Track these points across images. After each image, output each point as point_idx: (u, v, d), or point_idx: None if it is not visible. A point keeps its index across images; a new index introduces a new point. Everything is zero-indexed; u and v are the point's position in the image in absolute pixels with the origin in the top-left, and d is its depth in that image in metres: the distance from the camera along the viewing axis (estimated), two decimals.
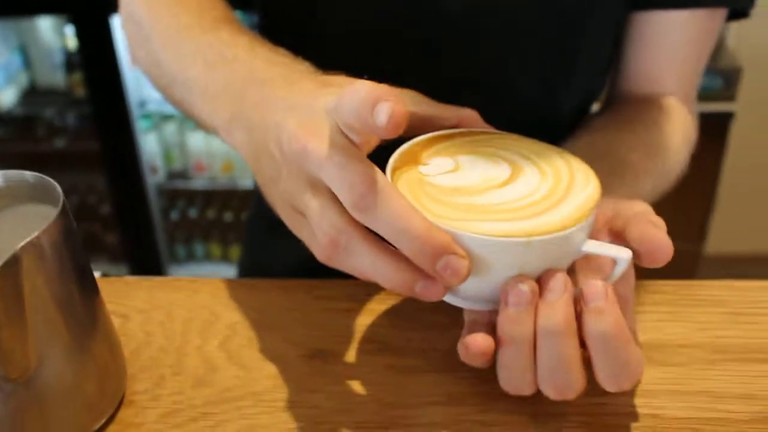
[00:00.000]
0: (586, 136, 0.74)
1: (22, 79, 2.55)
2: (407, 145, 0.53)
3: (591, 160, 0.54)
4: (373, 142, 0.44)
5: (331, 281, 0.65)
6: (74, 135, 2.59)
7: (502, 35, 0.75)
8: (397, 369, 0.57)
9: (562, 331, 0.46)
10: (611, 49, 0.81)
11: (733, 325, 0.60)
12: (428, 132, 0.55)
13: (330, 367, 0.57)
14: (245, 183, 2.53)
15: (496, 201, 0.48)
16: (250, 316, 0.62)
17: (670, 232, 0.49)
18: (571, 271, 0.50)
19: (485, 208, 0.47)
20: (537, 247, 0.45)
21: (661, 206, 0.48)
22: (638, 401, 0.54)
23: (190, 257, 2.83)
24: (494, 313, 0.49)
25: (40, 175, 0.51)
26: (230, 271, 2.72)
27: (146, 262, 2.64)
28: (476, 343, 0.48)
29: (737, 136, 2.19)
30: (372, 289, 0.54)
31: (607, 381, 0.47)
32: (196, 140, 2.51)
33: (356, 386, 0.55)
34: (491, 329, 0.49)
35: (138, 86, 2.38)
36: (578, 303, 0.47)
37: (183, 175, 2.61)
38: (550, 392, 0.48)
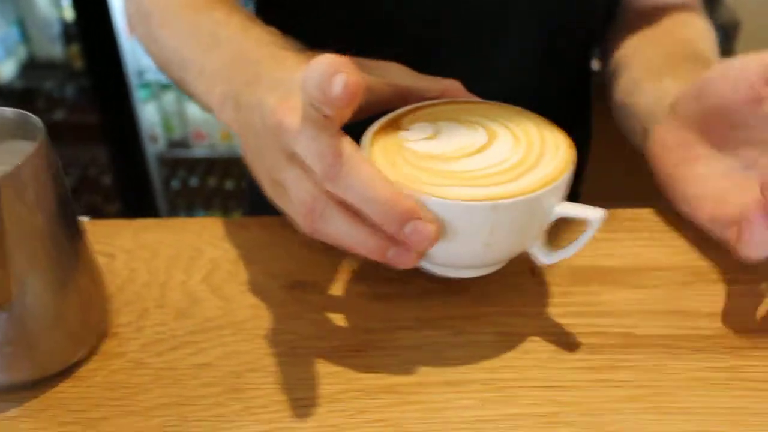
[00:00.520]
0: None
1: (21, 52, 2.55)
2: (392, 114, 0.55)
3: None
4: (345, 115, 0.46)
5: None
6: (74, 107, 2.59)
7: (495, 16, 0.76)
8: (371, 296, 0.58)
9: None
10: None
11: (708, 249, 0.61)
12: (412, 104, 0.57)
13: (308, 297, 0.58)
14: None
15: (469, 168, 0.49)
16: (232, 251, 0.64)
17: None
18: None
19: (457, 174, 0.48)
20: (504, 211, 0.47)
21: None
22: (610, 321, 0.55)
23: None
24: None
25: (21, 111, 0.52)
26: None
27: None
28: None
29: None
30: None
31: None
32: (195, 109, 2.51)
33: (333, 313, 0.57)
34: None
35: (135, 56, 2.37)
36: None
37: (183, 144, 2.61)
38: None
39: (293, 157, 0.48)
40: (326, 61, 0.44)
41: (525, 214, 0.48)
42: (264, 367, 0.53)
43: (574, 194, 0.85)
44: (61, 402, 0.51)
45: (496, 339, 0.54)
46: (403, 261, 0.48)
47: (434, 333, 0.55)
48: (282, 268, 0.61)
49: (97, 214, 2.73)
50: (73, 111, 2.59)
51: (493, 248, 0.50)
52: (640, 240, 0.63)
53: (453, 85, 0.59)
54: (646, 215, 0.65)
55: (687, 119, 0.60)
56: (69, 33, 2.44)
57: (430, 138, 0.52)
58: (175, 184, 2.74)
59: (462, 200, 0.46)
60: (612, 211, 0.64)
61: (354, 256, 0.58)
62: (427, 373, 0.52)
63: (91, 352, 0.55)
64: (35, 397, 0.51)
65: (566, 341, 0.53)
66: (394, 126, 0.53)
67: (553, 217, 0.50)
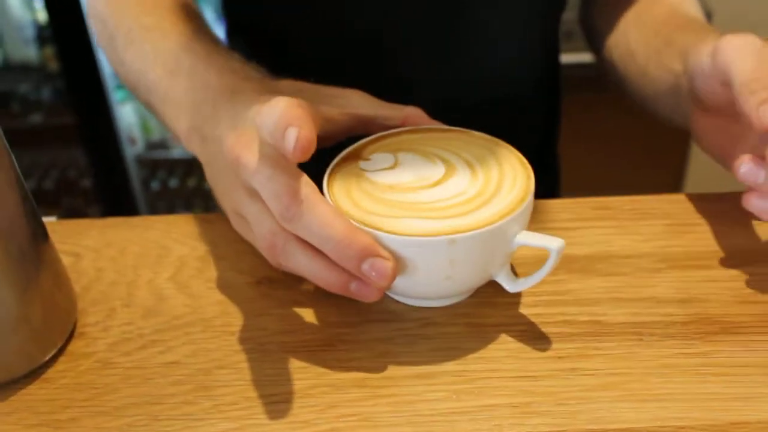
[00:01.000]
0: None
1: None
2: (355, 144, 0.55)
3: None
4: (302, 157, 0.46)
5: None
6: (50, 109, 2.55)
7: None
8: None
9: None
10: None
11: (677, 236, 0.61)
12: (374, 132, 0.57)
13: (276, 292, 0.57)
14: None
15: (426, 200, 0.49)
16: (199, 248, 0.62)
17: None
18: None
19: (415, 206, 0.49)
20: (461, 244, 0.47)
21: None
22: (579, 309, 0.54)
23: None
24: None
25: None
26: None
27: None
28: None
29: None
30: None
31: None
32: None
33: (301, 309, 0.56)
34: None
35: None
36: None
37: (162, 144, 2.59)
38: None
39: (253, 193, 0.48)
40: (279, 110, 0.45)
41: (483, 247, 0.48)
42: (233, 363, 0.52)
43: (552, 180, 0.85)
44: (28, 404, 0.50)
45: (466, 330, 0.53)
46: (365, 295, 0.48)
47: (404, 326, 0.54)
48: (249, 264, 0.60)
49: (79, 216, 2.69)
50: (50, 114, 2.55)
51: (455, 280, 0.50)
52: (609, 228, 0.62)
53: (414, 112, 0.59)
54: (615, 203, 0.65)
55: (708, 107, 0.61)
56: (43, 35, 2.41)
57: (389, 168, 0.52)
58: (154, 185, 2.72)
59: (419, 236, 0.46)
60: (582, 199, 0.64)
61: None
62: (397, 366, 0.51)
63: (59, 353, 0.54)
64: (2, 400, 0.50)
65: (537, 331, 0.52)
66: (356, 156, 0.54)
67: (514, 247, 0.50)
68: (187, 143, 0.58)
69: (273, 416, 0.48)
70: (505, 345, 0.52)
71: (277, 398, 0.49)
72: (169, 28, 0.66)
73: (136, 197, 2.62)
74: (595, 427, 0.46)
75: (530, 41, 0.82)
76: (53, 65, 2.43)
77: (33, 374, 0.52)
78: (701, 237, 0.60)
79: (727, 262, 0.58)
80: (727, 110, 0.57)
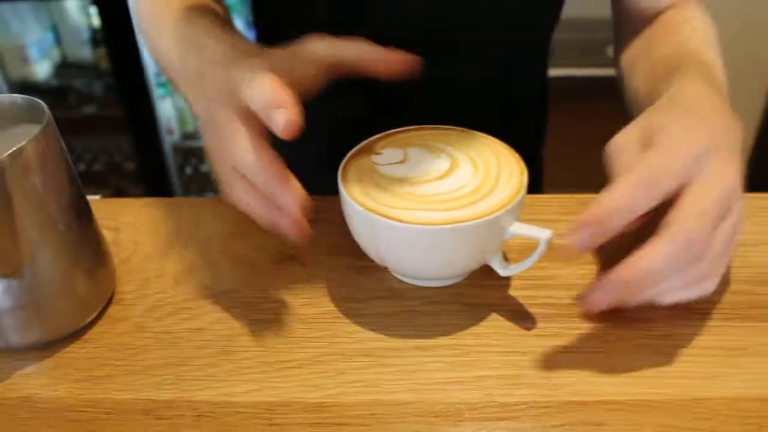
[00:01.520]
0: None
1: (55, 54, 2.49)
2: (367, 140, 0.53)
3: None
4: None
5: None
6: (101, 102, 2.53)
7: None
8: (350, 269, 0.55)
9: None
10: None
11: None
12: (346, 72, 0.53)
13: (293, 269, 0.55)
14: None
15: (432, 192, 0.47)
16: (226, 227, 0.60)
17: None
18: None
19: (422, 198, 0.47)
20: (462, 233, 0.45)
21: (599, 161, 0.45)
22: (564, 293, 0.52)
23: None
24: None
25: (29, 97, 0.48)
26: None
27: None
28: None
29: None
30: (331, 203, 0.52)
31: None
32: None
33: (314, 285, 0.53)
34: None
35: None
36: None
37: (195, 135, 2.56)
38: None
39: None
40: (268, 90, 0.44)
41: (481, 235, 0.46)
42: (252, 332, 0.50)
43: (535, 179, 0.81)
44: (70, 362, 0.48)
45: (461, 309, 0.51)
46: (285, 227, 0.46)
47: (406, 303, 0.51)
48: (270, 243, 0.57)
49: (124, 195, 2.69)
50: (101, 106, 2.53)
51: (454, 264, 0.48)
52: None
53: (364, 48, 0.53)
54: None
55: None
56: (97, 38, 2.39)
57: (399, 163, 0.50)
58: (188, 170, 2.70)
59: (424, 224, 0.45)
60: (569, 195, 0.61)
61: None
62: (399, 339, 0.48)
63: (98, 317, 0.51)
64: (48, 357, 0.49)
65: (525, 311, 0.50)
66: (369, 150, 0.52)
67: (508, 236, 0.48)
68: (195, 109, 0.55)
69: (287, 380, 0.46)
70: (496, 323, 0.49)
71: (290, 364, 0.47)
72: (178, 14, 0.63)
73: (173, 180, 2.60)
74: (576, 399, 0.44)
75: (526, 55, 0.78)
76: (105, 64, 2.41)
77: (75, 335, 0.50)
78: None
79: None
80: None
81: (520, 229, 0.47)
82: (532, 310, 0.50)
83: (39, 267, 0.46)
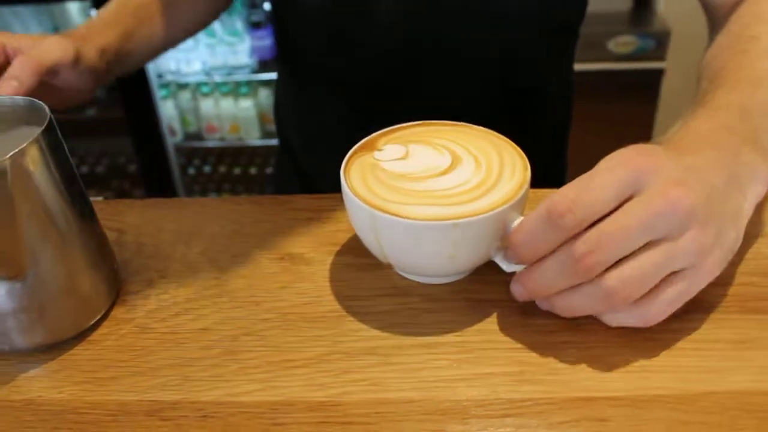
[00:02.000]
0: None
1: None
2: (369, 137, 0.53)
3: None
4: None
5: (298, 196, 0.63)
6: (103, 104, 2.53)
7: None
8: (354, 267, 0.54)
9: None
10: None
11: None
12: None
13: (297, 267, 0.55)
14: (251, 141, 2.49)
15: (434, 188, 0.47)
16: (228, 227, 0.60)
17: None
18: None
19: (424, 193, 0.46)
20: (464, 228, 0.44)
21: (599, 155, 0.44)
22: None
23: None
24: None
25: (30, 98, 0.48)
26: None
27: None
28: None
29: (667, 89, 2.16)
30: (334, 201, 0.52)
31: None
32: (208, 105, 2.46)
33: (319, 283, 0.53)
34: None
35: (155, 60, 2.33)
36: None
37: (197, 136, 2.56)
38: None
39: None
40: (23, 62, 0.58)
41: (484, 231, 0.46)
42: (257, 331, 0.49)
43: (560, 166, 0.80)
44: (75, 363, 0.48)
45: (466, 305, 0.50)
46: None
47: (411, 300, 0.51)
48: (273, 242, 0.57)
49: (126, 197, 2.69)
50: (103, 108, 2.53)
51: (457, 260, 0.48)
52: None
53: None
54: None
55: None
56: None
57: (401, 159, 0.50)
58: (191, 170, 2.70)
59: (427, 220, 0.44)
60: None
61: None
62: (404, 337, 0.48)
63: (103, 318, 0.51)
64: (52, 359, 0.48)
65: (528, 307, 0.49)
66: (371, 147, 0.51)
67: (511, 231, 0.47)
68: None
69: (292, 379, 0.45)
70: (501, 319, 0.49)
71: (295, 363, 0.47)
72: None
73: (175, 181, 2.60)
74: (581, 395, 0.43)
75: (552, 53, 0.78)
76: None
77: (80, 336, 0.50)
78: None
79: None
80: None
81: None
82: (535, 306, 0.49)
83: (42, 269, 0.46)
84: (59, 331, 0.49)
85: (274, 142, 2.10)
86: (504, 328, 0.48)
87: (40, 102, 0.47)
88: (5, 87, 0.56)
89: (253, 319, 0.50)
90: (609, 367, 0.45)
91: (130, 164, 2.69)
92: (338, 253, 0.56)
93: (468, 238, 0.46)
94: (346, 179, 0.48)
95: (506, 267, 0.49)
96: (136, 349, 0.49)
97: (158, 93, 2.38)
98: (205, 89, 2.43)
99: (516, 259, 0.45)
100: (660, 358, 0.45)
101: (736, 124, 0.49)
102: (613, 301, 0.42)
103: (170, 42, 0.83)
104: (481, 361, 0.46)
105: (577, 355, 0.46)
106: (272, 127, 2.31)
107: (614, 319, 0.45)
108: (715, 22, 0.68)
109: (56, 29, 2.45)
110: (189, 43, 2.31)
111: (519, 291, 0.47)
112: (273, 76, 2.24)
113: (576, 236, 0.42)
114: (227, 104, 2.43)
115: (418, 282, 0.52)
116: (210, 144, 2.57)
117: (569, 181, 0.43)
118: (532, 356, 0.46)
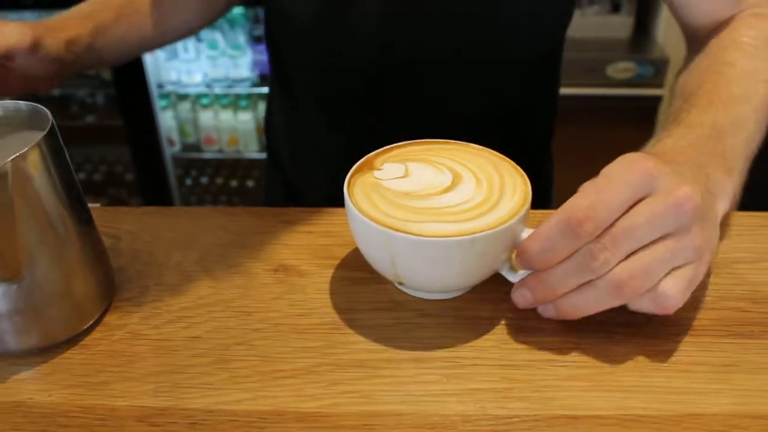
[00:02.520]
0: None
1: None
2: (365, 157, 0.53)
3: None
4: None
5: (294, 209, 0.63)
6: (103, 112, 2.54)
7: None
8: (347, 280, 0.55)
9: None
10: None
11: None
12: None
13: (290, 279, 0.55)
14: (249, 154, 2.50)
15: (438, 205, 0.47)
16: (224, 237, 0.60)
17: None
18: None
19: (428, 210, 0.47)
20: (470, 244, 0.45)
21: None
22: None
23: None
24: None
25: (32, 103, 0.49)
26: None
27: None
28: None
29: (664, 116, 2.18)
30: (330, 215, 0.52)
31: None
32: (207, 117, 2.48)
33: (312, 294, 0.53)
34: None
35: (156, 70, 2.34)
36: None
37: (195, 147, 2.56)
38: None
39: None
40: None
41: (498, 244, 0.46)
42: (249, 341, 0.49)
43: (545, 192, 0.81)
44: (66, 367, 0.48)
45: (457, 322, 0.51)
46: None
47: (404, 315, 0.51)
48: (267, 253, 0.58)
49: (122, 205, 2.68)
50: (102, 116, 2.54)
51: (464, 275, 0.49)
52: None
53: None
54: None
55: None
56: None
57: (402, 177, 0.50)
58: (188, 181, 2.70)
59: (436, 237, 0.44)
60: None
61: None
62: (395, 351, 0.48)
63: (96, 323, 0.51)
64: (44, 362, 0.49)
65: (520, 325, 0.50)
66: (369, 166, 0.52)
67: (520, 243, 0.47)
68: None
69: (282, 389, 0.46)
70: (491, 336, 0.49)
71: (286, 373, 0.47)
72: None
73: (172, 191, 2.60)
74: (567, 413, 0.44)
75: (539, 63, 0.79)
76: (107, 74, 2.41)
77: (72, 341, 0.50)
78: None
79: None
80: None
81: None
82: (527, 323, 0.50)
83: (38, 271, 0.46)
84: (52, 334, 0.49)
85: None
86: (493, 345, 0.49)
87: (43, 107, 0.48)
88: None
89: (246, 329, 0.50)
90: (597, 387, 0.45)
91: (127, 173, 2.69)
92: (332, 267, 0.56)
93: (484, 251, 0.46)
94: (352, 200, 0.48)
95: (512, 277, 0.49)
96: (127, 355, 0.49)
97: (158, 103, 2.39)
98: (204, 101, 2.44)
99: (529, 266, 0.46)
100: (647, 378, 0.46)
101: (707, 143, 0.52)
102: (622, 293, 0.44)
103: (157, 41, 0.84)
104: (471, 377, 0.46)
105: (565, 374, 0.46)
106: None
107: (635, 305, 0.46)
108: (694, 43, 0.70)
109: None
110: (191, 54, 2.32)
111: (524, 297, 0.48)
112: None
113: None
114: (226, 116, 2.45)
115: (412, 297, 0.53)
116: (208, 155, 2.58)
117: (557, 196, 0.44)
118: (521, 373, 0.46)
